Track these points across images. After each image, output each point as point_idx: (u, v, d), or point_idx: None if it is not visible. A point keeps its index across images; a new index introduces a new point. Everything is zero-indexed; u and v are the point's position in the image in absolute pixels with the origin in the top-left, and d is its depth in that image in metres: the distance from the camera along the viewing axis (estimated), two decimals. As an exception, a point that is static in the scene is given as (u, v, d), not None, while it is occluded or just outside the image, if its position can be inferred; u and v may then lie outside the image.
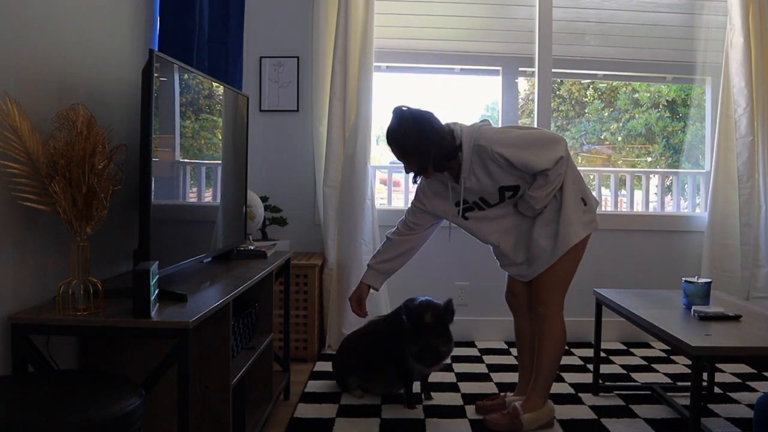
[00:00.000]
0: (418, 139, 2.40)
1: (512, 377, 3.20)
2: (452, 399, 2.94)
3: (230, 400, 2.04)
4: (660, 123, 4.52)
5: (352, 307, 2.76)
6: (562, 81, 4.52)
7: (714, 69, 4.07)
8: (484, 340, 3.98)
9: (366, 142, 3.74)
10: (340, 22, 3.70)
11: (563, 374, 3.30)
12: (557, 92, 4.60)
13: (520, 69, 4.16)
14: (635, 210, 4.33)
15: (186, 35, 2.62)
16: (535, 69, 4.03)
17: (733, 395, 3.02)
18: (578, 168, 2.59)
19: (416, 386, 2.90)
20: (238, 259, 2.73)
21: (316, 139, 3.90)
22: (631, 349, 3.83)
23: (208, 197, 2.50)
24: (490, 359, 3.59)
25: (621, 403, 2.90)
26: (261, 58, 3.91)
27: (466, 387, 3.11)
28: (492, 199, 2.53)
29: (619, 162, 4.56)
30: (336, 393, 3.00)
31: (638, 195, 4.35)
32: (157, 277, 1.77)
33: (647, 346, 3.90)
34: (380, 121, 3.94)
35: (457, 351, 3.68)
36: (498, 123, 4.04)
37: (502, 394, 2.85)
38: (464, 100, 4.37)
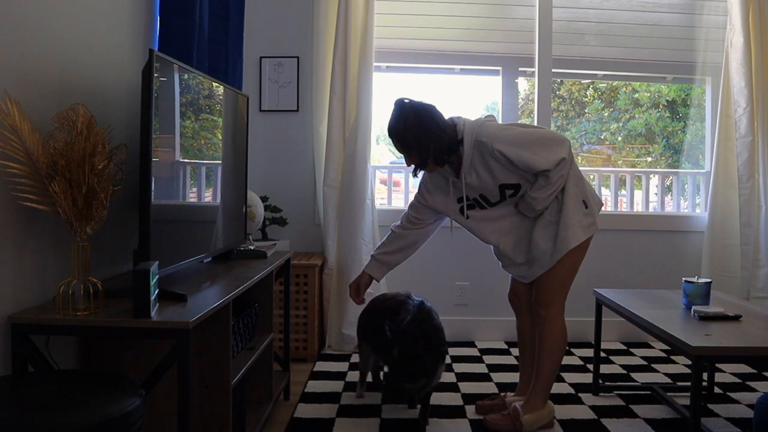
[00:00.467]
0: (418, 131, 2.39)
1: (512, 377, 3.20)
2: (452, 399, 2.94)
3: (230, 400, 2.04)
4: (660, 123, 4.52)
5: (350, 293, 2.74)
6: (562, 81, 4.52)
7: (714, 69, 4.08)
8: (484, 340, 3.98)
9: (366, 142, 3.74)
10: (340, 22, 3.70)
11: (563, 374, 3.30)
12: (557, 92, 4.60)
13: (520, 69, 4.16)
14: (635, 210, 4.33)
15: (186, 35, 2.62)
16: (535, 69, 4.03)
17: (733, 395, 3.02)
18: (579, 168, 2.58)
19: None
20: (238, 259, 2.73)
21: (316, 139, 3.90)
22: (631, 349, 3.83)
23: (208, 197, 2.50)
24: (490, 359, 3.59)
25: (621, 403, 2.90)
26: (261, 58, 3.91)
27: (466, 387, 3.11)
28: (492, 197, 2.52)
29: (619, 162, 4.56)
30: (336, 393, 3.00)
31: (638, 195, 4.35)
32: (157, 277, 1.77)
33: (647, 346, 3.90)
34: (380, 121, 3.94)
35: (457, 351, 3.69)
36: (499, 122, 4.04)
37: (502, 394, 2.84)
38: (464, 100, 4.37)
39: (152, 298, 1.71)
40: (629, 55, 4.14)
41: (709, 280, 2.74)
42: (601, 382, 3.09)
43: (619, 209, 4.32)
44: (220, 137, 2.56)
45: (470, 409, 2.80)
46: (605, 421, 2.67)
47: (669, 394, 2.94)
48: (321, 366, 3.43)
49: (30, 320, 1.70)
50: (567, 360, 3.57)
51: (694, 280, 2.71)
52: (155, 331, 1.71)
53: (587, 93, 4.68)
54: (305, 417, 2.71)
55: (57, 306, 1.73)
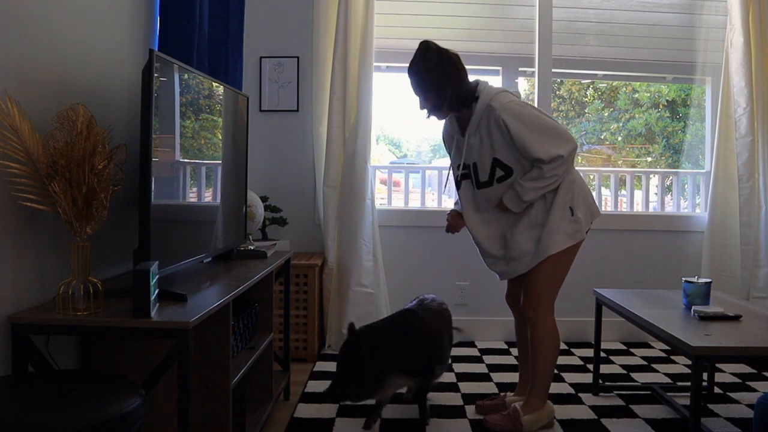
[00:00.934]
0: (438, 75, 2.40)
1: (512, 377, 3.20)
2: (452, 399, 2.94)
3: (230, 400, 2.03)
4: (660, 123, 4.52)
5: (449, 217, 2.72)
6: (562, 81, 4.53)
7: (714, 69, 4.08)
8: (484, 340, 3.98)
9: (366, 142, 3.74)
10: (340, 22, 3.70)
11: (563, 374, 3.30)
12: (557, 92, 4.60)
13: (520, 69, 4.16)
14: (635, 210, 4.33)
15: (186, 35, 2.62)
16: (535, 69, 4.03)
17: (733, 395, 3.02)
18: (577, 168, 2.57)
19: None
20: (238, 259, 2.73)
21: (316, 139, 3.90)
22: (631, 349, 3.83)
23: (208, 197, 2.50)
24: (490, 359, 3.60)
25: (621, 403, 2.90)
26: (261, 58, 3.91)
27: (466, 387, 3.11)
28: (483, 174, 2.49)
29: (619, 162, 4.56)
30: (336, 393, 3.00)
31: (638, 195, 4.35)
32: (157, 277, 1.77)
33: (647, 346, 3.90)
34: (380, 121, 3.94)
35: (457, 351, 3.69)
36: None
37: (502, 394, 2.85)
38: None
39: (152, 298, 1.71)
40: (629, 55, 4.14)
41: (709, 280, 2.74)
42: (601, 382, 3.09)
43: (619, 209, 4.32)
44: (220, 137, 2.56)
45: (470, 409, 2.80)
46: (605, 421, 2.67)
47: (669, 394, 2.94)
48: (321, 366, 3.43)
49: (30, 320, 1.70)
50: (567, 360, 3.57)
51: (694, 280, 2.71)
52: (155, 331, 1.71)
53: (587, 93, 4.68)
54: (305, 417, 2.71)
55: (57, 306, 1.73)
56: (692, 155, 4.41)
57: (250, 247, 2.93)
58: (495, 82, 4.16)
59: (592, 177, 4.31)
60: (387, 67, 4.14)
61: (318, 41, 3.84)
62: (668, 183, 4.36)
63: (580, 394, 3.01)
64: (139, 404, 1.48)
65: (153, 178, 1.88)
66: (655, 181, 4.40)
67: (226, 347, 2.02)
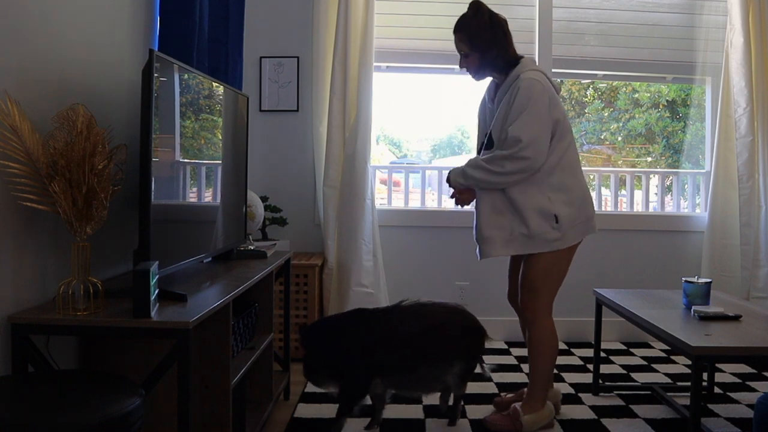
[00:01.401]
0: (488, 35, 2.42)
1: (512, 377, 3.21)
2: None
3: (230, 400, 2.04)
4: (660, 123, 4.53)
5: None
6: (562, 81, 4.52)
7: (714, 69, 4.07)
8: (484, 340, 3.97)
9: (366, 142, 3.74)
10: (340, 22, 3.70)
11: (563, 374, 3.30)
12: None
13: (520, 69, 4.15)
14: (635, 210, 4.33)
15: (186, 35, 2.62)
16: (535, 69, 4.03)
17: (733, 395, 3.02)
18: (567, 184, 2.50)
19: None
20: (238, 259, 2.73)
21: (316, 139, 3.90)
22: (631, 349, 3.83)
23: (208, 197, 2.50)
24: (490, 359, 3.59)
25: (621, 403, 2.90)
26: (261, 58, 3.91)
27: (466, 387, 3.10)
28: (479, 144, 2.55)
29: (619, 162, 4.56)
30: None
31: (638, 195, 4.35)
32: (157, 277, 1.77)
33: (647, 346, 3.90)
34: (380, 121, 3.94)
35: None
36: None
37: (520, 390, 2.80)
38: (464, 100, 4.37)
39: (152, 298, 1.71)
40: (629, 55, 4.13)
41: (709, 280, 2.74)
42: (601, 382, 3.09)
43: (619, 209, 4.32)
44: (220, 137, 2.56)
45: (470, 409, 2.80)
46: (605, 421, 2.67)
47: (669, 394, 2.94)
48: (321, 366, 3.43)
49: (30, 320, 1.70)
50: (567, 360, 3.57)
51: (694, 280, 2.71)
52: (155, 331, 1.71)
53: (587, 93, 4.68)
54: (305, 417, 2.71)
55: (57, 306, 1.73)
56: (692, 155, 4.41)
57: (250, 247, 2.93)
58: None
59: (592, 177, 4.31)
60: (387, 67, 4.14)
61: (318, 41, 3.83)
62: (668, 183, 4.36)
63: (580, 394, 3.01)
64: (139, 404, 1.48)
65: (153, 178, 1.88)
66: (655, 181, 4.40)
67: (226, 347, 2.02)
